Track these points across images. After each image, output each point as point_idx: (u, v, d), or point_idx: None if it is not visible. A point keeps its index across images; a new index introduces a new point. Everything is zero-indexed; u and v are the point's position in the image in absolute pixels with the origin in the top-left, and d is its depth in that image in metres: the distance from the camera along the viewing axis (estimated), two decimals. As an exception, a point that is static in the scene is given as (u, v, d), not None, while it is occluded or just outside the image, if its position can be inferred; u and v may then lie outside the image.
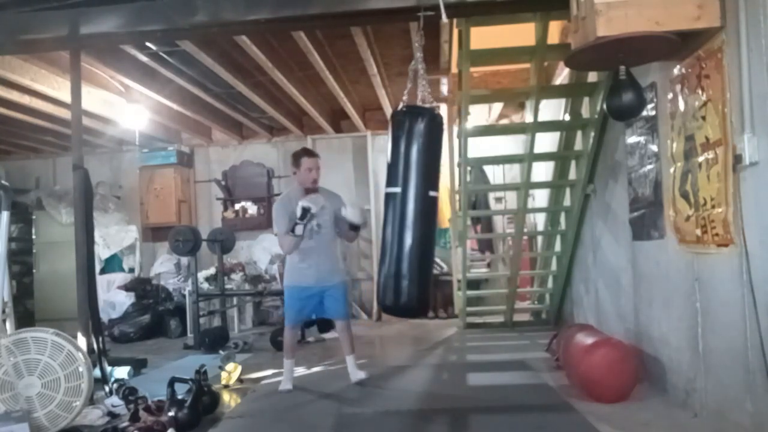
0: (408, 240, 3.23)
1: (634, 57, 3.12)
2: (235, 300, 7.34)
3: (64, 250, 6.61)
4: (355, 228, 4.07)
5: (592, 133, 4.68)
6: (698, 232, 3.00)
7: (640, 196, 3.84)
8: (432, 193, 3.29)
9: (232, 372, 4.32)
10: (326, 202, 4.03)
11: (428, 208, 3.29)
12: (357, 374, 4.19)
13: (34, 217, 8.20)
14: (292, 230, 3.89)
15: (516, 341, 5.70)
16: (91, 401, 3.58)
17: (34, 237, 8.20)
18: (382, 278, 3.34)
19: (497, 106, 7.29)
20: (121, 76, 5.63)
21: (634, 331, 4.05)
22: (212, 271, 7.20)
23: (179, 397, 3.43)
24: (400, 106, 3.41)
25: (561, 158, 5.42)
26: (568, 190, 5.48)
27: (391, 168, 3.35)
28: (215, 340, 5.82)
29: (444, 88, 6.58)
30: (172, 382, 3.49)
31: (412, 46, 5.18)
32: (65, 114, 5.96)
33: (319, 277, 4.08)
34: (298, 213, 3.87)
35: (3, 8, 3.68)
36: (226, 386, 4.25)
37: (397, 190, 3.29)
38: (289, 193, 4.27)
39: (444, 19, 3.43)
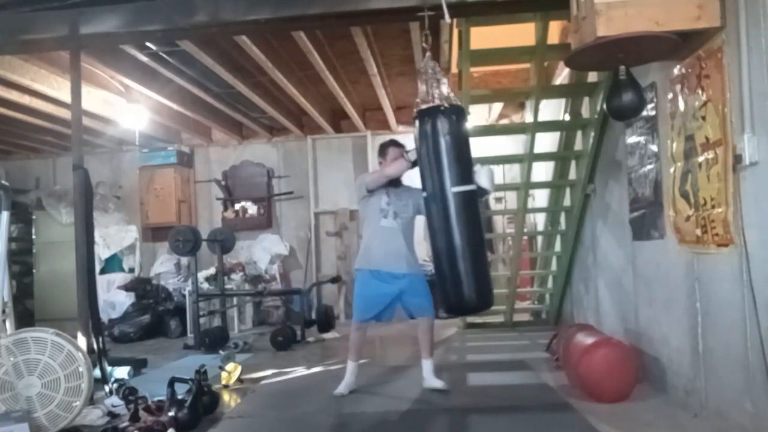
0: (456, 238, 3.20)
1: (634, 57, 3.12)
2: (235, 300, 7.34)
3: (64, 250, 6.60)
4: (482, 194, 3.59)
5: (592, 133, 4.68)
6: (698, 232, 2.99)
7: (640, 196, 3.84)
8: (466, 188, 3.25)
9: (232, 372, 4.32)
10: (408, 200, 3.92)
11: (464, 203, 3.25)
12: (434, 382, 3.91)
13: (34, 217, 8.20)
14: (413, 162, 3.60)
15: (516, 341, 5.70)
16: (91, 401, 3.57)
17: (34, 237, 8.20)
18: (440, 282, 3.31)
19: (497, 106, 7.29)
20: (121, 76, 5.64)
21: (634, 331, 4.05)
22: (212, 271, 7.20)
23: (179, 397, 3.43)
24: (420, 107, 3.37)
25: (561, 158, 5.42)
26: (568, 190, 5.48)
27: (423, 170, 3.32)
28: (215, 340, 5.82)
29: (444, 89, 6.57)
30: (172, 382, 3.49)
31: (414, 47, 5.22)
32: (65, 114, 5.96)
33: (392, 260, 3.83)
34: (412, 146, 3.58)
35: (3, 8, 3.68)
36: (226, 386, 4.25)
37: (431, 190, 3.29)
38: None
39: (447, 19, 3.43)
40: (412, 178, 3.72)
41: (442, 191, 3.22)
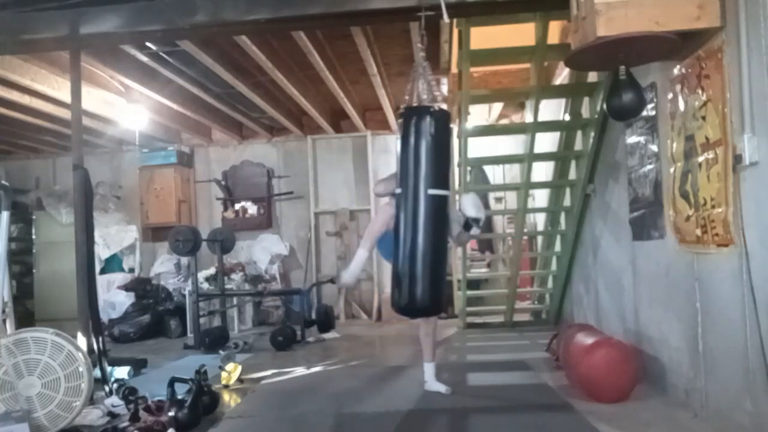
0: (419, 239, 3.22)
1: (634, 57, 3.12)
2: (235, 300, 7.34)
3: (64, 250, 6.62)
4: (468, 228, 3.63)
5: (592, 133, 4.68)
6: (698, 232, 3.00)
7: (640, 196, 3.84)
8: (436, 192, 3.26)
9: (232, 372, 4.32)
10: None
11: (435, 206, 3.27)
12: (436, 385, 3.86)
13: (34, 217, 8.20)
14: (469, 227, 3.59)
15: (516, 341, 5.70)
16: (91, 401, 3.58)
17: (34, 237, 8.20)
18: (395, 279, 3.33)
19: (497, 106, 7.29)
20: (121, 76, 5.63)
21: (634, 331, 4.05)
22: (212, 271, 7.20)
23: (179, 397, 3.43)
24: (403, 105, 3.39)
25: (561, 158, 5.42)
26: (568, 190, 5.48)
27: (401, 168, 3.34)
28: (215, 340, 5.82)
29: (444, 88, 6.58)
30: (172, 382, 3.49)
31: (414, 47, 5.21)
32: (65, 114, 5.97)
33: None
34: (471, 214, 3.56)
35: (3, 8, 3.68)
36: (226, 386, 4.25)
37: (402, 190, 3.29)
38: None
39: (445, 19, 3.43)
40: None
41: (415, 192, 3.25)
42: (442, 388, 3.85)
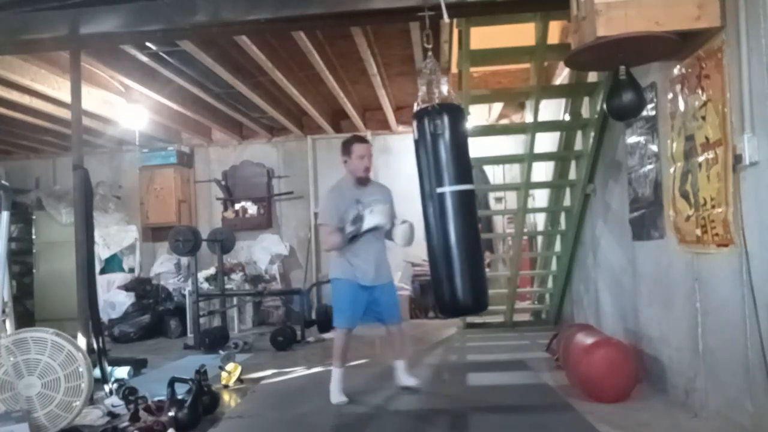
0: (451, 238, 3.19)
1: (634, 57, 3.12)
2: (235, 300, 7.34)
3: (64, 250, 6.62)
4: (388, 237, 3.79)
5: (592, 133, 4.68)
6: (698, 232, 2.99)
7: (640, 196, 3.84)
8: (463, 187, 3.24)
9: (232, 372, 4.32)
10: (381, 197, 3.81)
11: (462, 202, 3.24)
12: (408, 380, 3.94)
13: (34, 217, 8.20)
14: (353, 234, 3.60)
15: (516, 341, 5.70)
16: (91, 401, 3.58)
17: (34, 237, 8.20)
18: (435, 283, 3.33)
19: (497, 106, 7.30)
20: (121, 76, 5.64)
21: (634, 331, 4.05)
22: (212, 271, 7.20)
23: (179, 397, 3.43)
24: (420, 105, 3.37)
25: (561, 158, 5.42)
26: (568, 190, 5.48)
27: (420, 169, 3.31)
28: (215, 340, 5.82)
29: (444, 88, 6.58)
30: (172, 382, 3.49)
31: (414, 47, 5.22)
32: (65, 114, 5.97)
33: (376, 273, 3.75)
34: (366, 227, 3.56)
35: (3, 8, 3.68)
36: (226, 386, 4.25)
37: (427, 189, 3.28)
38: (341, 183, 3.87)
39: (446, 19, 3.43)
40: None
41: (439, 191, 3.22)
42: (413, 381, 3.94)
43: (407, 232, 3.68)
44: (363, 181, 3.81)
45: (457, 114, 3.31)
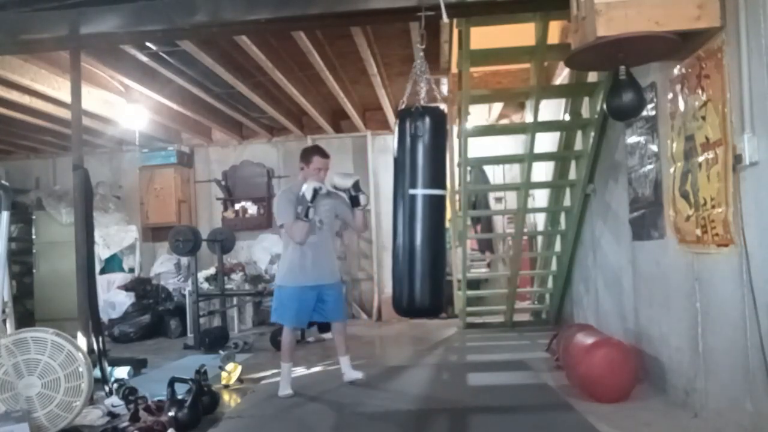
0: (417, 240, 3.22)
1: (634, 57, 3.12)
2: (235, 300, 7.34)
3: (64, 250, 6.61)
4: (355, 202, 3.94)
5: (592, 133, 4.68)
6: (698, 232, 3.00)
7: (640, 196, 3.84)
8: (435, 192, 3.28)
9: (232, 372, 4.32)
10: (330, 200, 4.02)
11: (431, 206, 3.27)
12: (353, 374, 4.18)
13: (34, 217, 8.19)
14: (305, 215, 3.81)
15: (516, 341, 5.70)
16: (91, 401, 3.58)
17: (34, 237, 8.19)
18: (395, 281, 3.36)
19: (497, 106, 7.29)
20: (121, 76, 5.63)
21: (634, 331, 4.05)
22: (212, 271, 7.20)
23: (179, 397, 3.43)
24: (402, 105, 3.40)
25: (561, 158, 5.42)
26: (568, 190, 5.48)
27: (397, 169, 3.34)
28: (215, 340, 5.82)
29: (444, 88, 6.59)
30: (172, 382, 3.49)
31: (414, 47, 5.21)
32: (65, 114, 5.96)
33: (319, 275, 3.99)
34: (309, 195, 3.79)
35: (3, 8, 3.68)
36: (226, 386, 4.25)
37: (400, 190, 3.30)
38: (291, 186, 4.13)
39: (445, 19, 3.43)
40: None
41: (411, 191, 3.24)
42: (358, 375, 4.16)
43: (340, 172, 3.93)
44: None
45: (438, 118, 3.31)
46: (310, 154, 4.07)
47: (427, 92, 3.37)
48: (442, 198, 3.35)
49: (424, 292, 3.26)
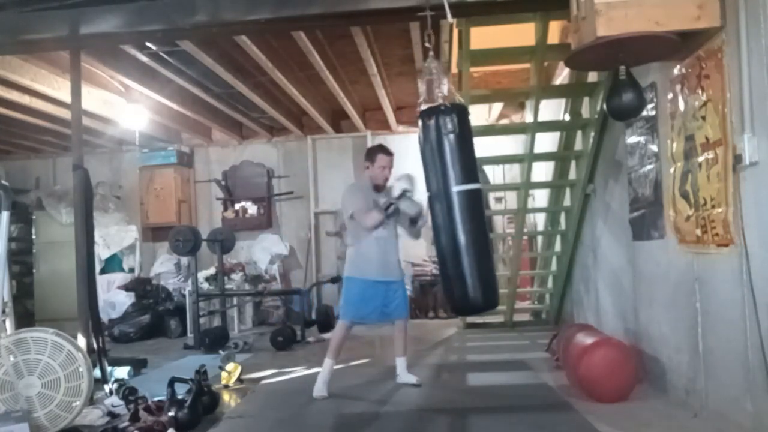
0: (460, 237, 3.19)
1: (634, 57, 3.12)
2: (235, 300, 7.34)
3: (64, 250, 6.61)
4: (413, 222, 3.93)
5: (592, 133, 4.68)
6: (698, 232, 3.00)
7: (640, 196, 3.84)
8: (470, 187, 3.25)
9: (232, 372, 4.32)
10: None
11: (469, 202, 3.25)
12: (408, 377, 4.09)
13: (34, 217, 8.20)
14: (387, 208, 3.80)
15: (516, 341, 5.70)
16: (91, 401, 3.58)
17: (34, 237, 8.20)
18: (444, 282, 3.36)
19: (497, 106, 7.29)
20: (121, 76, 5.63)
21: (634, 331, 4.05)
22: (212, 271, 7.20)
23: (179, 397, 3.43)
24: (421, 106, 3.39)
25: (561, 158, 5.42)
26: (568, 190, 5.48)
27: (426, 170, 3.32)
28: (215, 340, 5.81)
29: (444, 88, 6.58)
30: (172, 382, 3.49)
31: (414, 47, 5.22)
32: (65, 114, 5.96)
33: (386, 270, 3.94)
34: (396, 193, 3.76)
35: (3, 8, 3.68)
36: (226, 386, 4.25)
37: (434, 189, 3.29)
38: (360, 183, 4.23)
39: (449, 18, 3.43)
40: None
41: (446, 190, 3.21)
42: (414, 379, 4.06)
43: (411, 203, 3.80)
44: (379, 188, 4.03)
45: (464, 113, 3.31)
46: (374, 153, 4.08)
47: (438, 90, 3.35)
48: (479, 191, 3.32)
49: (476, 288, 3.21)
